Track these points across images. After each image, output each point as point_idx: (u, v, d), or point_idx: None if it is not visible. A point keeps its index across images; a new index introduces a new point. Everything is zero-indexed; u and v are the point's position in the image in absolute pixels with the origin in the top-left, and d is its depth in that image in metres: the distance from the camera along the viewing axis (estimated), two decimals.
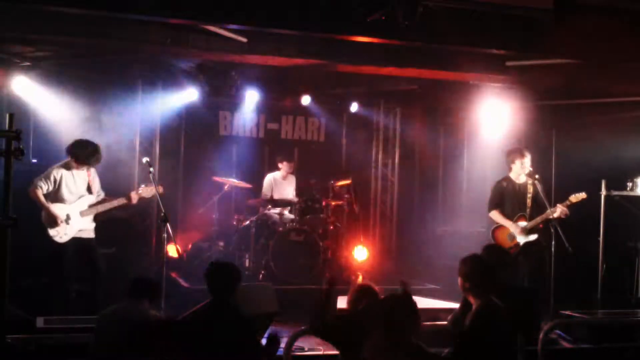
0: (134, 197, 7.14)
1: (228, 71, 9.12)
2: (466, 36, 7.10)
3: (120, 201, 7.18)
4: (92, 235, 7.11)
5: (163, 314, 5.12)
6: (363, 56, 7.86)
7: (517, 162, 7.52)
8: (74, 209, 6.95)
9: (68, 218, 6.89)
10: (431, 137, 11.48)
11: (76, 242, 6.96)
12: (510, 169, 7.61)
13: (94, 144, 7.05)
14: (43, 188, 6.80)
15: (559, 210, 7.19)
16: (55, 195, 6.88)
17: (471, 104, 10.15)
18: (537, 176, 7.45)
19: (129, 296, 4.96)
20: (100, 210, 7.12)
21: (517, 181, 7.53)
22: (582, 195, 7.29)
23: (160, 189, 7.16)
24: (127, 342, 4.71)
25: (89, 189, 7.09)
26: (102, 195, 7.24)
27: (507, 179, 7.62)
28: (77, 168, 6.99)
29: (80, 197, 7.02)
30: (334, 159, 11.35)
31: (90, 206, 7.05)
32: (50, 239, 6.84)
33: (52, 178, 6.84)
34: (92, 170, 7.14)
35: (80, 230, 6.98)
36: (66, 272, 6.92)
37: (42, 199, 6.78)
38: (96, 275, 6.99)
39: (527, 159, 7.50)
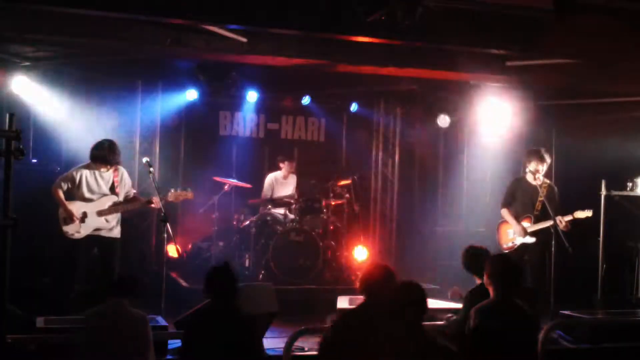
0: (156, 201, 7.12)
1: (228, 71, 9.10)
2: (466, 36, 7.10)
3: (142, 204, 7.28)
4: (114, 235, 7.13)
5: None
6: (363, 56, 7.85)
7: (528, 164, 7.61)
8: (93, 208, 7.02)
9: (84, 216, 6.97)
10: (431, 137, 11.47)
11: (94, 239, 7.04)
12: (525, 171, 7.71)
13: (108, 142, 7.11)
14: (63, 187, 6.97)
15: (562, 224, 7.22)
16: (75, 194, 7.01)
17: (471, 104, 10.14)
18: (547, 181, 7.52)
19: (114, 295, 4.89)
20: (120, 211, 7.17)
21: (532, 182, 7.57)
22: (588, 213, 7.34)
23: (190, 194, 7.33)
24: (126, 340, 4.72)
25: (113, 190, 7.13)
26: (131, 194, 7.30)
27: (521, 179, 7.81)
28: (100, 169, 7.07)
29: (102, 197, 7.07)
30: (334, 159, 11.34)
31: (111, 206, 7.09)
32: (64, 235, 6.94)
33: (71, 178, 7.01)
34: (121, 171, 7.22)
35: (96, 229, 7.03)
36: (78, 271, 6.99)
37: (61, 196, 6.93)
38: (106, 276, 6.95)
39: (537, 162, 7.52)
